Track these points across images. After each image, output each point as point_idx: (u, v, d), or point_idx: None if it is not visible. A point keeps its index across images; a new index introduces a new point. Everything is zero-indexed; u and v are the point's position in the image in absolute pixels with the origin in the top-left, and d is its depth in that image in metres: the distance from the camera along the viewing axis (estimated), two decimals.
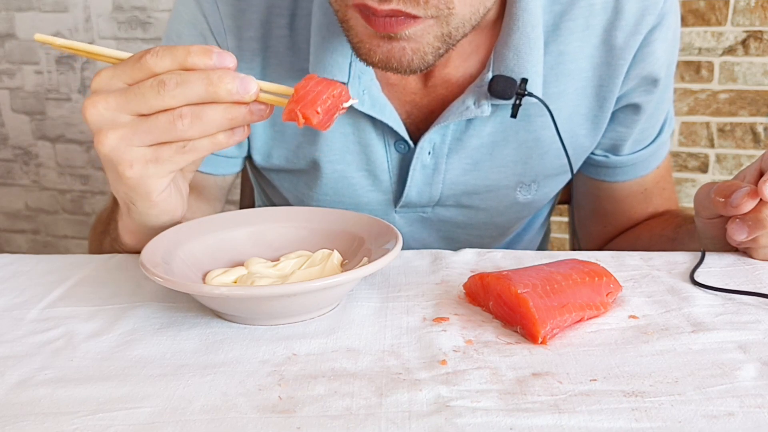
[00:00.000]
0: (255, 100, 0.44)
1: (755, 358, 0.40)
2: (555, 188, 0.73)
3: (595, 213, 0.80)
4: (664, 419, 0.35)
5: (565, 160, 0.67)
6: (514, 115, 0.62)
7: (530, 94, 0.61)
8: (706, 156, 1.76)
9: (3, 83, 2.06)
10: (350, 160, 0.68)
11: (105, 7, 1.90)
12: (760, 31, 1.64)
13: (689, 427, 0.34)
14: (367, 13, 0.50)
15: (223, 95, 0.43)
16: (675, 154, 1.78)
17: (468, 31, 0.54)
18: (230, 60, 0.44)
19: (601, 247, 0.82)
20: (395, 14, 0.49)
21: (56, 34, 1.97)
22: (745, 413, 0.35)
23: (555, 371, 0.39)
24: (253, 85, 0.43)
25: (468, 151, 0.67)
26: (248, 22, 0.65)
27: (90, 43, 2.02)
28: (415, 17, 0.49)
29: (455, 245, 0.65)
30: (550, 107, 0.64)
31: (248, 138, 0.70)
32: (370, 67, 0.62)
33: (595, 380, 0.38)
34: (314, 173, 0.69)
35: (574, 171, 0.73)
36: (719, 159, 1.76)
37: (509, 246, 0.81)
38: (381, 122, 0.64)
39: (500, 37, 0.62)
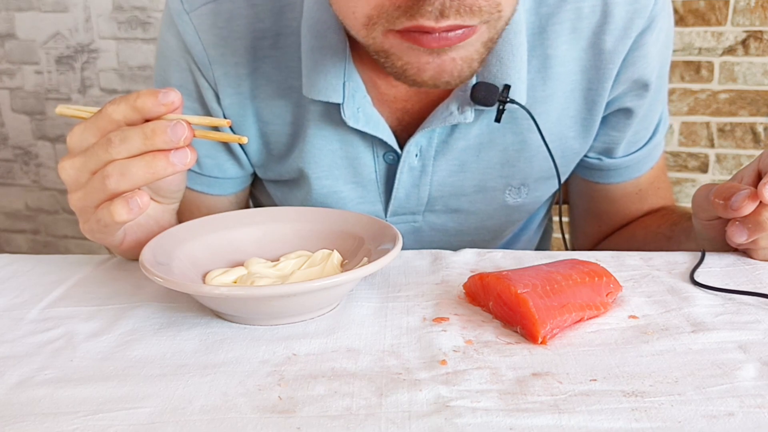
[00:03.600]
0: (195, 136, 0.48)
1: (755, 358, 0.40)
2: (546, 192, 0.73)
3: (590, 213, 0.80)
4: (664, 419, 0.35)
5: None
6: (498, 120, 0.62)
7: (512, 101, 0.61)
8: (706, 156, 1.76)
9: (3, 83, 2.06)
10: (338, 175, 0.68)
11: (105, 7, 1.90)
12: (760, 31, 1.64)
13: (689, 427, 0.34)
14: (421, 33, 0.48)
15: (161, 145, 0.46)
16: (675, 154, 1.78)
17: (501, 31, 0.53)
18: (174, 96, 0.47)
19: (595, 245, 0.81)
20: (452, 29, 0.48)
21: (56, 35, 1.97)
22: (745, 413, 0.35)
23: (555, 371, 0.39)
24: (182, 131, 0.46)
25: (455, 153, 0.66)
26: (232, 49, 0.65)
27: (90, 43, 2.01)
28: (469, 27, 0.49)
29: None
30: (537, 110, 0.63)
31: (248, 156, 0.71)
32: (362, 85, 0.62)
33: (595, 380, 0.38)
34: (305, 187, 0.70)
35: (567, 173, 0.73)
36: (719, 159, 1.76)
37: (506, 246, 0.81)
38: (372, 136, 0.65)
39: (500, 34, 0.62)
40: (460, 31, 0.49)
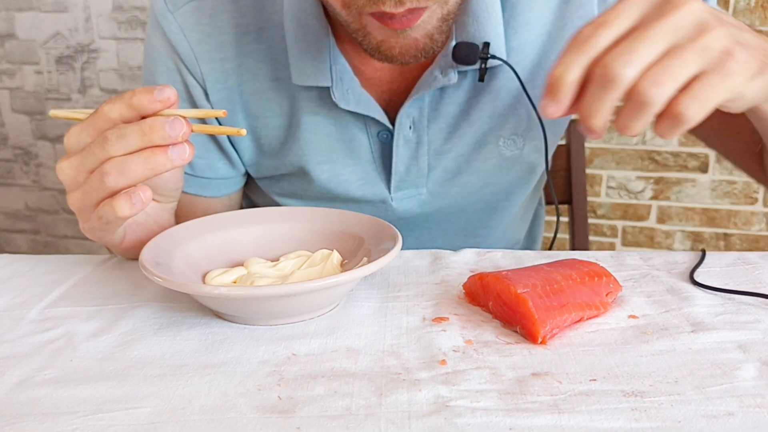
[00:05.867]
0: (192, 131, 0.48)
1: (755, 358, 0.40)
2: (541, 141, 0.71)
3: (709, 137, 0.73)
4: (663, 419, 0.35)
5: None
6: (481, 79, 0.63)
7: (493, 57, 0.62)
8: (706, 156, 1.76)
9: (3, 83, 2.06)
10: (336, 158, 0.69)
11: (105, 7, 1.90)
12: (760, 31, 1.64)
13: (689, 427, 0.34)
14: (384, 17, 0.53)
15: (159, 141, 0.47)
16: (675, 155, 1.78)
17: (460, 3, 0.57)
18: (169, 92, 0.48)
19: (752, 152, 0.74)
20: (409, 12, 0.52)
21: (56, 35, 1.97)
22: (744, 413, 0.35)
23: (555, 371, 0.39)
24: (180, 127, 0.47)
25: (446, 118, 0.68)
26: (217, 45, 0.66)
27: (90, 43, 2.01)
28: (422, 8, 0.52)
29: (460, 234, 0.67)
30: (513, 60, 0.65)
31: (239, 155, 0.72)
32: (349, 68, 0.64)
33: (595, 380, 0.38)
34: (306, 176, 0.70)
35: (564, 121, 0.73)
36: (719, 159, 1.76)
37: (504, 217, 0.79)
38: (363, 115, 0.66)
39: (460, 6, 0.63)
40: (415, 12, 0.53)
